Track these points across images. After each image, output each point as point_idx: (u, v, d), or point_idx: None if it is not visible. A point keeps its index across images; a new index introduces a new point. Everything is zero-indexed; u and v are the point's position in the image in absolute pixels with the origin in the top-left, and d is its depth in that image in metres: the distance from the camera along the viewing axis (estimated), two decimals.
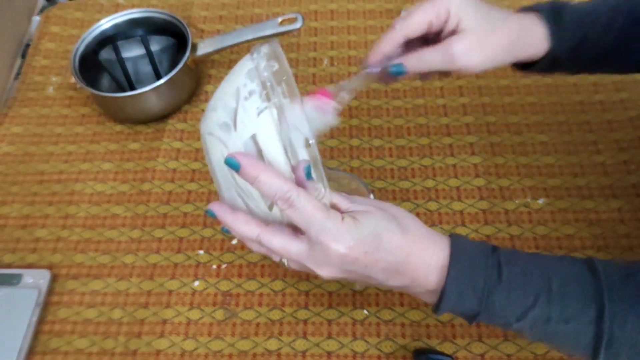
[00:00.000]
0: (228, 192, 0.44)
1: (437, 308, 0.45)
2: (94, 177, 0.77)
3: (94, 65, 0.82)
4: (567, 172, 0.71)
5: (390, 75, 0.52)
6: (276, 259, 0.46)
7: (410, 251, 0.43)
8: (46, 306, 0.66)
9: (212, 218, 0.45)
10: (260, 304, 0.65)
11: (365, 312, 0.63)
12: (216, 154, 0.43)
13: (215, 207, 0.44)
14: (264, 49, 0.42)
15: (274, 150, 0.41)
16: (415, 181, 0.72)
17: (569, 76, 0.77)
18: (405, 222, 0.44)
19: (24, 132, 0.83)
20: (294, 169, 0.41)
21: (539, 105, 0.78)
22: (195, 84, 0.84)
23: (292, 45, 0.88)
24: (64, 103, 0.86)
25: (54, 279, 0.68)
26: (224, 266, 0.68)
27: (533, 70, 0.55)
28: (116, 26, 0.83)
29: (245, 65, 0.43)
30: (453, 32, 0.49)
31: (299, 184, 0.41)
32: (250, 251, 0.68)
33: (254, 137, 0.41)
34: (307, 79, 0.84)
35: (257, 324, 0.63)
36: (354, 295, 0.64)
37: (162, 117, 0.81)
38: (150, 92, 0.75)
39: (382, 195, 0.72)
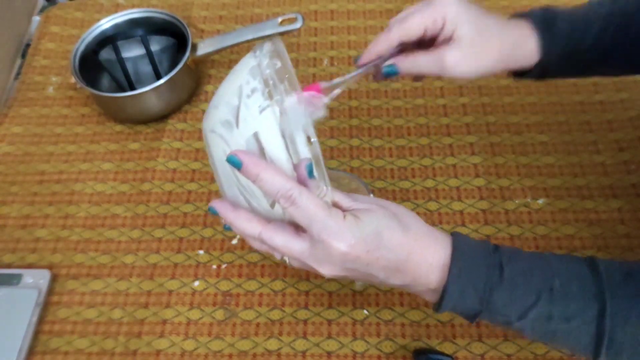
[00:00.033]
0: (230, 189, 0.44)
1: (438, 307, 0.45)
2: (94, 177, 0.77)
3: (94, 65, 0.82)
4: (567, 172, 0.72)
5: (383, 74, 0.52)
6: (278, 256, 0.46)
7: (411, 249, 0.43)
8: (46, 306, 0.66)
9: (214, 215, 0.45)
10: (260, 304, 0.65)
11: (365, 312, 0.63)
12: (218, 152, 0.43)
13: (217, 205, 0.44)
14: (267, 46, 0.42)
15: (275, 148, 0.41)
16: (415, 181, 0.72)
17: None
18: (407, 220, 0.44)
19: (24, 132, 0.82)
20: (295, 166, 0.41)
21: (539, 105, 0.78)
22: (195, 84, 0.84)
23: (292, 45, 0.88)
24: (64, 103, 0.86)
25: (54, 279, 0.68)
26: (224, 266, 0.68)
27: (525, 78, 0.56)
28: (116, 26, 0.83)
29: (247, 63, 0.43)
30: (448, 40, 0.50)
31: (300, 182, 0.41)
32: (250, 251, 0.68)
33: (256, 135, 0.41)
34: (307, 79, 0.84)
35: (257, 324, 0.63)
36: (354, 295, 0.64)
37: (162, 117, 0.81)
38: (150, 92, 0.75)
39: (382, 195, 0.72)
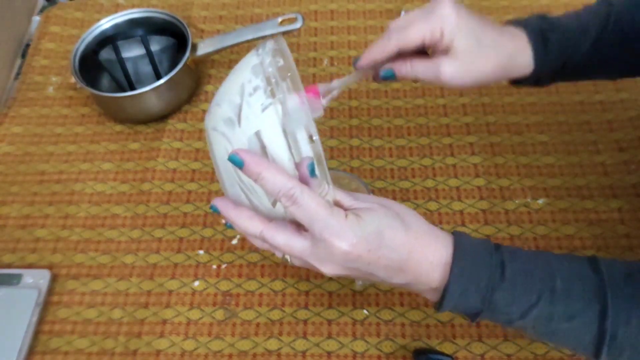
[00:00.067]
0: (232, 188, 0.44)
1: (439, 306, 0.45)
2: (94, 177, 0.77)
3: (94, 65, 0.82)
4: (567, 172, 0.72)
5: (380, 78, 0.53)
6: (279, 255, 0.46)
7: (412, 248, 0.43)
8: (46, 306, 0.66)
9: (216, 214, 0.45)
10: (260, 304, 0.65)
11: (365, 312, 0.63)
12: (220, 150, 0.43)
13: (219, 203, 0.44)
14: (269, 44, 0.42)
15: (277, 147, 0.41)
16: (415, 181, 0.72)
17: None
18: (408, 219, 0.44)
19: (24, 132, 0.82)
20: (297, 165, 0.41)
21: (539, 105, 0.78)
22: (195, 84, 0.84)
23: (292, 45, 0.88)
24: (64, 103, 0.85)
25: (54, 279, 0.68)
26: (224, 266, 0.68)
27: (520, 85, 0.57)
28: (116, 26, 0.83)
29: (250, 61, 0.43)
30: (446, 50, 0.50)
31: (302, 180, 0.41)
32: (250, 251, 0.68)
33: (258, 133, 0.41)
34: (307, 79, 0.84)
35: (257, 324, 0.63)
36: (354, 295, 0.64)
37: (162, 117, 0.81)
38: (150, 92, 0.75)
39: (382, 195, 0.72)
